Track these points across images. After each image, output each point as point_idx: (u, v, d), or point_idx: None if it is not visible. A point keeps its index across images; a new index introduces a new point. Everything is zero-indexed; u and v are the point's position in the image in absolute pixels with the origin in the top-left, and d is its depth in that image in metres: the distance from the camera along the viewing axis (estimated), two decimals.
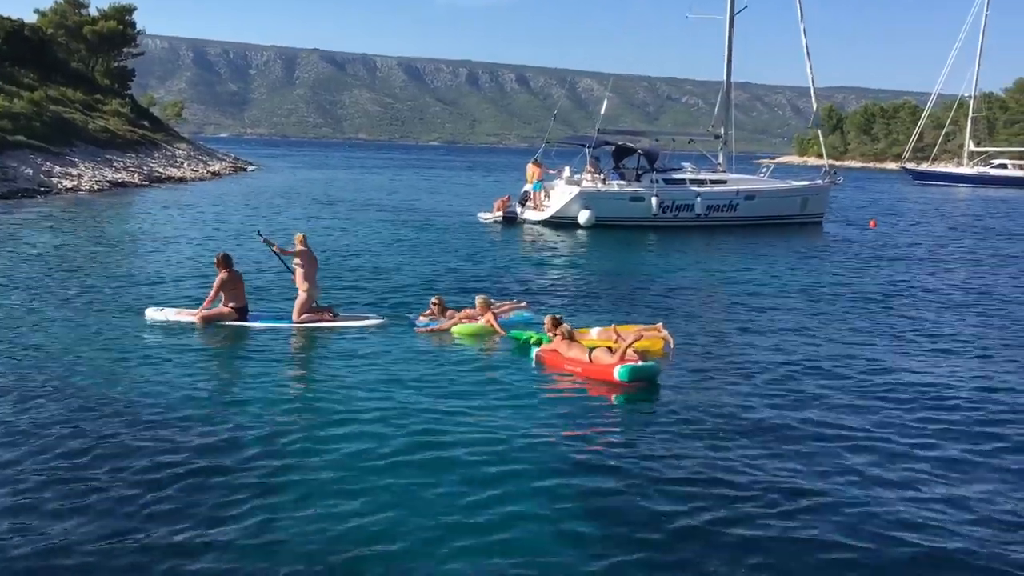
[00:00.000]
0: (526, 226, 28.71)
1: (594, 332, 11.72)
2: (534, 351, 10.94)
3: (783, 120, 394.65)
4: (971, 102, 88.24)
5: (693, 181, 30.31)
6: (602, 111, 32.24)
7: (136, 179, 40.47)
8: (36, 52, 50.13)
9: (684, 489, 6.92)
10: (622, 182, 29.82)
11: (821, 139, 39.59)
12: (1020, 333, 13.81)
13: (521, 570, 5.60)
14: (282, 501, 6.47)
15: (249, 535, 5.92)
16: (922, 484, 7.22)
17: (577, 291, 16.55)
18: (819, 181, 33.80)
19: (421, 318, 12.80)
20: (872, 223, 34.00)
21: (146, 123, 57.83)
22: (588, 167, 29.98)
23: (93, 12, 64.60)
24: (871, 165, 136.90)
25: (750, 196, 30.86)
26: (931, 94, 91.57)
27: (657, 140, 33.41)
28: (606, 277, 18.74)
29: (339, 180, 56.15)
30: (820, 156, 40.74)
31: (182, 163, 51.07)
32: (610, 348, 10.45)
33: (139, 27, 68.23)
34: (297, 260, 12.56)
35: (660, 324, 11.76)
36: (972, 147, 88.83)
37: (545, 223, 28.73)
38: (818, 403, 9.42)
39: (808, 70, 34.45)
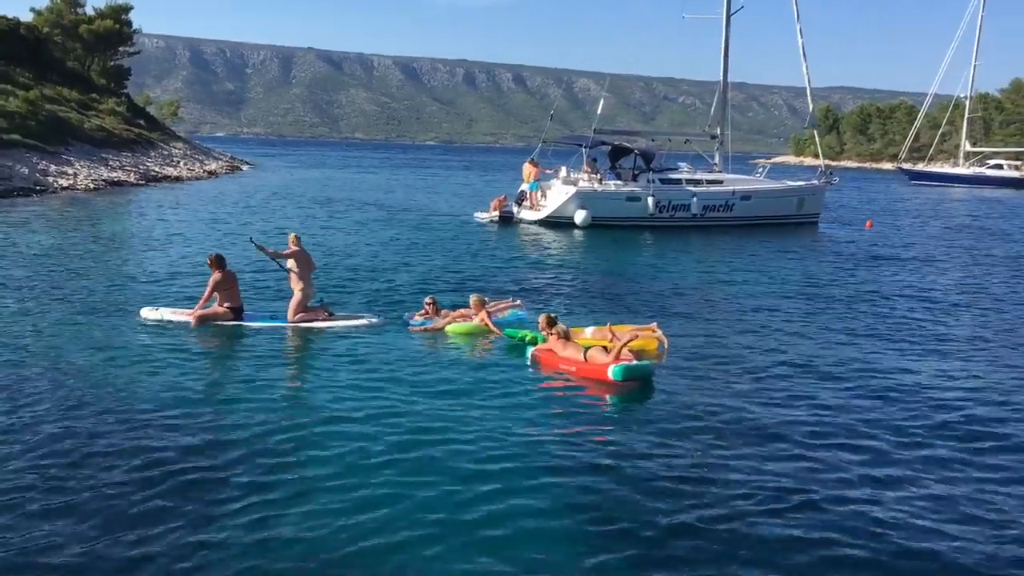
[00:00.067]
0: (522, 226, 28.71)
1: (589, 331, 11.73)
2: (530, 350, 10.96)
3: (779, 120, 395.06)
4: (967, 102, 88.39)
5: (689, 181, 30.33)
6: (599, 111, 32.29)
7: (132, 178, 40.39)
8: (32, 51, 50.02)
9: (676, 488, 6.93)
10: (618, 182, 29.83)
11: (817, 139, 39.59)
12: (1014, 334, 13.85)
13: (514, 567, 5.61)
14: (275, 500, 6.47)
15: (242, 534, 5.91)
16: (915, 484, 7.25)
17: (573, 291, 16.56)
18: (815, 181, 33.84)
19: (416, 317, 12.80)
20: (868, 223, 34.04)
21: (142, 122, 57.73)
22: (584, 167, 29.99)
23: (89, 11, 64.48)
24: (867, 165, 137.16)
25: (746, 196, 30.89)
26: (927, 94, 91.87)
27: (653, 140, 33.42)
28: (602, 277, 18.75)
29: (335, 179, 56.11)
30: (816, 156, 40.84)
31: (178, 162, 50.99)
32: (605, 348, 10.46)
33: (135, 26, 68.11)
34: (291, 261, 12.55)
35: (654, 324, 11.79)
36: (968, 147, 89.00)
37: (541, 223, 28.74)
38: (812, 403, 9.44)
39: (804, 70, 34.49)
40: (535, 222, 28.96)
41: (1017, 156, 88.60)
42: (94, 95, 54.13)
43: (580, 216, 28.15)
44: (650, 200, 28.87)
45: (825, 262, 22.33)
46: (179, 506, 6.32)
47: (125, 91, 65.68)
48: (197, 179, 47.10)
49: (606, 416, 9.06)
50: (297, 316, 12.35)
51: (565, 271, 19.40)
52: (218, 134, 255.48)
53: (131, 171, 41.73)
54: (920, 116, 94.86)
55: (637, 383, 9.80)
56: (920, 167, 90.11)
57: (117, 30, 64.78)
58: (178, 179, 44.95)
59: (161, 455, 7.25)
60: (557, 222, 28.35)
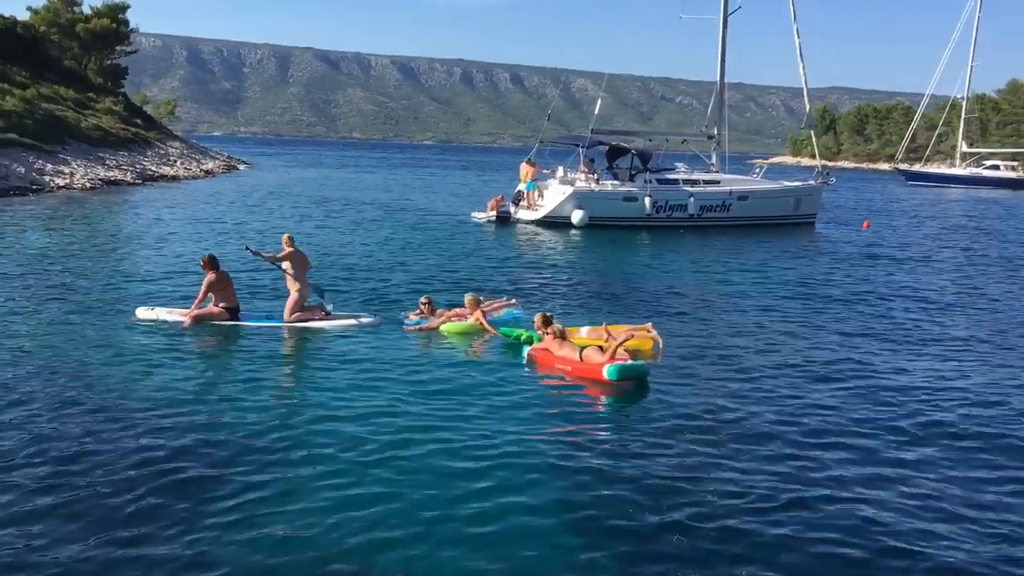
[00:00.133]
0: (519, 226, 28.71)
1: (584, 331, 11.74)
2: (526, 350, 10.97)
3: (777, 120, 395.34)
4: (964, 103, 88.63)
5: (686, 181, 30.35)
6: (596, 111, 32.29)
7: (129, 177, 40.35)
8: (28, 50, 49.93)
9: (670, 487, 6.94)
10: (615, 182, 29.85)
11: (814, 140, 39.65)
12: (1008, 334, 13.88)
13: (508, 565, 5.62)
14: (269, 498, 6.47)
15: (236, 533, 5.91)
16: (908, 484, 7.26)
17: (569, 290, 16.57)
18: (812, 182, 33.88)
19: (411, 316, 12.80)
20: (865, 224, 34.07)
21: (139, 121, 57.65)
22: (582, 167, 30.01)
23: (86, 10, 64.32)
24: (864, 166, 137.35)
25: (743, 197, 30.91)
26: (924, 95, 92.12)
27: (651, 140, 33.45)
28: (598, 277, 18.76)
29: (333, 179, 56.08)
30: (813, 157, 40.85)
31: (175, 161, 50.94)
32: (601, 347, 10.47)
33: (132, 25, 67.92)
34: (287, 262, 12.54)
35: (649, 324, 11.80)
36: (965, 148, 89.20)
37: (539, 223, 28.74)
38: (806, 403, 9.46)
39: (801, 71, 34.50)
40: (532, 222, 28.96)
41: (1014, 157, 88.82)
42: (91, 94, 54.05)
43: (577, 216, 28.16)
44: (647, 200, 28.89)
45: (822, 262, 22.35)
46: (172, 504, 6.31)
47: (122, 90, 65.55)
48: (194, 178, 47.05)
49: (601, 415, 9.08)
50: (293, 316, 12.35)
51: (561, 271, 19.41)
52: (215, 133, 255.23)
53: (128, 170, 41.69)
54: (917, 117, 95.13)
55: (632, 383, 9.81)
56: (917, 168, 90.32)
57: (114, 29, 64.66)
58: (175, 178, 44.91)
59: (155, 454, 7.25)
60: (554, 222, 28.35)
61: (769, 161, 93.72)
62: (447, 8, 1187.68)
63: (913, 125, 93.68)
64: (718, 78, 33.81)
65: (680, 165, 32.03)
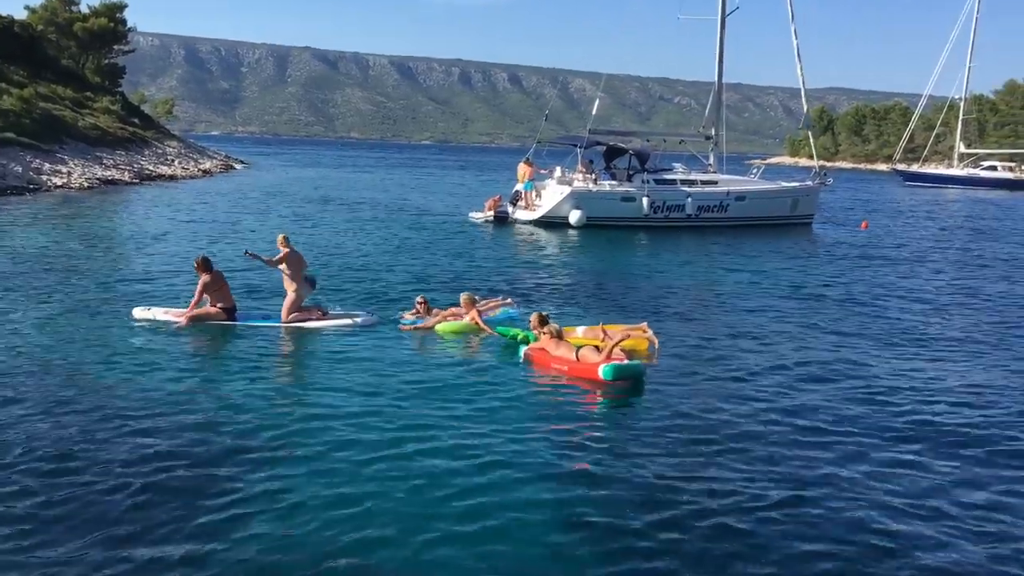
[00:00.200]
0: (517, 226, 28.72)
1: (580, 331, 11.75)
2: (522, 349, 10.97)
3: (775, 121, 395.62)
4: (961, 104, 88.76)
5: (684, 182, 30.38)
6: (594, 111, 32.29)
7: (126, 177, 40.32)
8: (26, 49, 49.90)
9: (665, 487, 6.95)
10: (613, 182, 29.86)
11: (812, 140, 39.66)
12: (1005, 335, 13.90)
13: (501, 564, 5.62)
14: (263, 497, 6.47)
15: (230, 531, 5.91)
16: (903, 483, 7.27)
17: (566, 290, 16.58)
18: (810, 182, 33.91)
19: (407, 316, 12.80)
20: (863, 224, 34.11)
21: (137, 120, 57.63)
22: (580, 167, 30.02)
23: (84, 9, 64.29)
24: (862, 166, 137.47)
25: (740, 197, 30.94)
26: (922, 96, 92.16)
27: (648, 140, 33.46)
28: (595, 277, 18.77)
29: (330, 179, 56.06)
30: (811, 157, 40.89)
31: (173, 161, 50.90)
32: (597, 347, 10.48)
33: (130, 24, 67.89)
34: (284, 263, 12.53)
35: (645, 324, 11.80)
36: (962, 149, 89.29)
37: (536, 223, 28.75)
38: (803, 403, 9.47)
39: (799, 71, 34.53)
40: (530, 222, 28.97)
41: (1011, 158, 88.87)
42: (88, 93, 54.02)
43: (575, 216, 28.18)
44: (645, 200, 28.91)
45: (819, 263, 22.38)
46: (166, 504, 6.31)
47: (120, 89, 65.48)
48: (191, 178, 47.02)
49: (596, 415, 9.08)
50: (291, 316, 12.34)
51: (559, 271, 19.42)
52: (213, 133, 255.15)
53: (125, 170, 41.65)
54: (915, 117, 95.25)
55: (628, 382, 9.82)
56: (915, 168, 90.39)
57: (112, 28, 64.61)
58: (172, 178, 44.88)
59: (149, 453, 7.24)
60: (552, 222, 28.36)
61: (767, 161, 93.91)
62: (445, 8, 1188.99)
63: (911, 126, 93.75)
64: (716, 78, 33.83)
65: (678, 165, 32.06)
